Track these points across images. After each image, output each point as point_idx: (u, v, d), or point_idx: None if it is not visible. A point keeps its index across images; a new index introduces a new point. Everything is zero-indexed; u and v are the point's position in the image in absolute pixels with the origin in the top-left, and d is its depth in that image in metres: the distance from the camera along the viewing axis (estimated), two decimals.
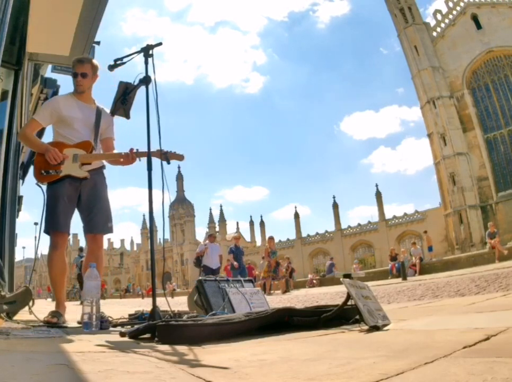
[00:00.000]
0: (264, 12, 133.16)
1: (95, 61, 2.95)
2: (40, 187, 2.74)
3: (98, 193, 2.88)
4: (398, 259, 15.58)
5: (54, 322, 2.52)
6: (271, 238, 13.02)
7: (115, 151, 2.96)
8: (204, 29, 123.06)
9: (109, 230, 2.92)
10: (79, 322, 2.49)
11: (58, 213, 2.71)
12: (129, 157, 2.71)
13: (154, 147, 2.49)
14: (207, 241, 10.43)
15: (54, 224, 2.72)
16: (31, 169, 9.65)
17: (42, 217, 2.72)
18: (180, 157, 2.71)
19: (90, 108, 2.90)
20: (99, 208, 2.87)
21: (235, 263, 10.45)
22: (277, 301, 6.33)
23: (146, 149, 2.49)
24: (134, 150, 2.71)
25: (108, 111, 2.89)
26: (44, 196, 2.75)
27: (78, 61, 2.88)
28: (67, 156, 2.70)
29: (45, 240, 2.76)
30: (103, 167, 2.96)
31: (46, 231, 2.73)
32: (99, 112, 2.92)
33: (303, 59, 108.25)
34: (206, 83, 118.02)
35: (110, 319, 2.64)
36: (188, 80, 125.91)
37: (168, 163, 2.57)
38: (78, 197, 2.81)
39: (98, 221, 2.86)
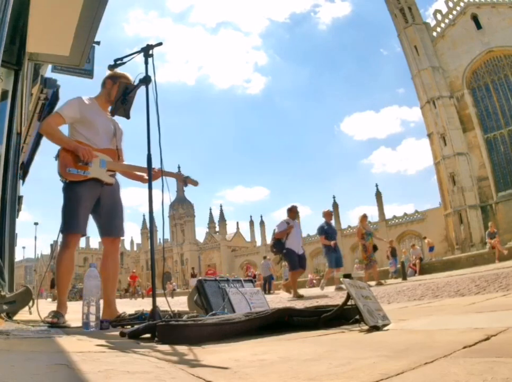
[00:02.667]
0: (266, 14, 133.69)
1: None
2: (63, 183, 2.72)
3: (117, 197, 2.95)
4: (399, 258, 15.59)
5: (55, 323, 2.52)
6: (365, 216, 9.60)
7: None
8: (206, 30, 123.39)
9: (123, 233, 3.01)
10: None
11: (80, 215, 2.72)
12: (153, 173, 2.68)
13: (154, 147, 2.50)
14: (287, 218, 7.58)
15: (75, 225, 2.73)
16: (31, 169, 9.64)
17: (62, 215, 2.71)
18: (195, 183, 2.96)
19: (109, 118, 2.95)
20: (119, 212, 2.94)
21: (332, 242, 8.31)
22: (277, 301, 6.33)
23: (147, 152, 2.49)
24: (156, 169, 2.66)
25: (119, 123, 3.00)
26: (64, 192, 2.73)
27: (108, 68, 2.80)
28: (97, 157, 2.73)
29: (46, 239, 2.77)
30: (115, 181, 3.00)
31: (63, 232, 2.72)
32: (114, 122, 3.01)
33: (305, 60, 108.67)
34: (208, 84, 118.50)
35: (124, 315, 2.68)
36: (190, 81, 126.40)
37: (185, 186, 2.86)
38: (96, 201, 2.82)
39: (118, 225, 2.92)
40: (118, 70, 2.81)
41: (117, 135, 2.99)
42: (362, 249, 9.24)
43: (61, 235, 2.73)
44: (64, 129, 2.83)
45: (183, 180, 2.82)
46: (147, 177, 2.82)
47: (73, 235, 2.77)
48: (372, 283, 8.33)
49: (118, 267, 3.05)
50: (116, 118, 3.02)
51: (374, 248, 9.11)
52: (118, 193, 2.97)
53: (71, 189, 2.71)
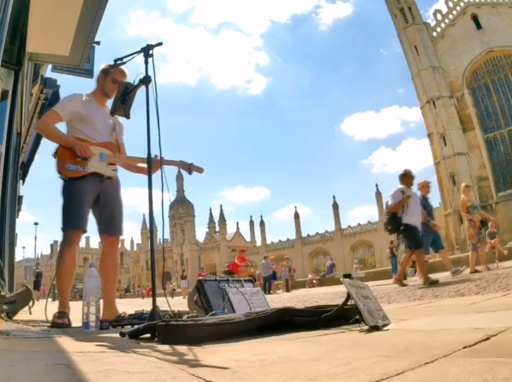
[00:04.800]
0: (267, 15, 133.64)
1: None
2: (63, 180, 2.71)
3: (118, 195, 2.93)
4: (398, 257, 15.57)
5: (62, 323, 2.50)
6: (468, 187, 8.10)
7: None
8: (207, 31, 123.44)
9: (122, 232, 2.99)
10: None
11: (81, 211, 2.70)
12: (154, 163, 2.70)
13: (154, 147, 2.49)
14: (401, 186, 6.11)
15: (75, 222, 2.70)
16: (31, 169, 9.63)
17: (63, 212, 2.68)
18: (200, 170, 2.88)
19: (107, 112, 2.93)
20: (118, 209, 2.92)
21: (437, 224, 7.13)
22: (277, 301, 6.33)
23: (147, 151, 2.48)
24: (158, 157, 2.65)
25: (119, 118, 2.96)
26: (64, 189, 2.71)
27: (123, 72, 2.88)
28: (94, 153, 2.71)
29: (46, 240, 2.76)
30: (117, 170, 2.99)
31: (64, 229, 2.70)
32: (114, 117, 2.97)
33: (305, 61, 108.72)
34: (209, 84, 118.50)
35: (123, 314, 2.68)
36: (191, 82, 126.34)
37: (190, 173, 2.76)
38: (96, 197, 2.81)
39: (118, 223, 2.91)
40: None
41: (117, 129, 2.98)
42: (468, 226, 7.65)
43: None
44: (62, 127, 2.83)
45: (188, 168, 2.77)
46: (144, 171, 2.83)
47: (75, 232, 2.74)
48: (479, 267, 7.23)
49: (118, 266, 3.04)
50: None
51: (482, 224, 7.62)
52: (118, 191, 2.96)
53: (71, 185, 2.69)
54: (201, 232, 69.58)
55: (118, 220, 2.91)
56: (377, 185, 40.77)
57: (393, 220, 5.87)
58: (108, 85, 2.90)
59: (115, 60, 2.63)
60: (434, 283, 5.24)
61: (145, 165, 2.68)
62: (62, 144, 2.70)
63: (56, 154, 2.70)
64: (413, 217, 5.82)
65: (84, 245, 63.63)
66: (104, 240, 2.91)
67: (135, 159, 2.93)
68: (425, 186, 7.01)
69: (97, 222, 2.89)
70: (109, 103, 2.98)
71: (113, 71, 2.87)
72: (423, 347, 1.25)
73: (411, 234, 5.77)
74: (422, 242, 5.93)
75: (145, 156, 2.47)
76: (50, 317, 2.63)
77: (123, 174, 3.05)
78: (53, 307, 2.83)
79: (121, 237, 3.14)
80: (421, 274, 5.81)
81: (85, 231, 2.80)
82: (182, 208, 56.48)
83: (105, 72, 2.93)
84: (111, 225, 2.87)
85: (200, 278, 3.05)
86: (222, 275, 5.19)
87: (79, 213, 2.69)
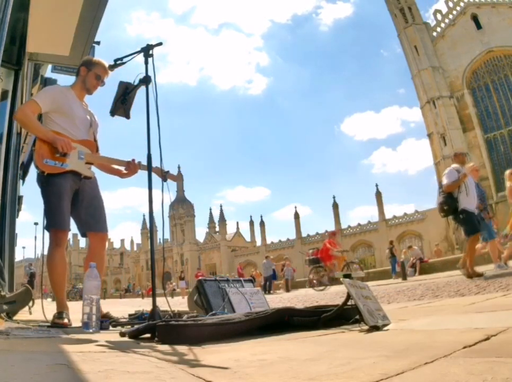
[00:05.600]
0: (268, 15, 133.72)
1: None
2: (40, 175, 2.60)
3: (97, 192, 2.85)
4: (398, 257, 15.58)
5: (63, 323, 2.47)
6: None
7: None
8: (208, 31, 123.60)
9: (107, 229, 2.91)
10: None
11: (63, 210, 2.60)
12: (131, 167, 2.69)
13: (154, 147, 2.49)
14: (456, 165, 5.75)
15: (60, 221, 2.60)
16: (31, 169, 9.64)
17: (46, 211, 2.60)
18: (176, 179, 2.82)
19: (85, 108, 2.87)
20: (102, 207, 2.86)
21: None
22: (277, 301, 6.33)
23: (147, 152, 2.48)
24: (136, 162, 2.69)
25: (95, 115, 2.91)
26: (42, 186, 2.62)
27: (105, 68, 2.79)
28: (75, 149, 2.61)
29: (45, 240, 2.73)
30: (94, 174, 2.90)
31: (49, 228, 2.62)
32: (90, 113, 2.90)
33: (306, 61, 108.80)
34: (210, 85, 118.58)
35: (116, 317, 2.66)
36: (191, 82, 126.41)
37: (165, 181, 2.58)
38: (75, 195, 2.71)
39: (103, 220, 2.84)
40: (118, 69, 2.81)
41: (93, 126, 2.87)
42: None
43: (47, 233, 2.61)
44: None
45: (163, 175, 2.59)
46: (125, 171, 2.81)
47: (62, 231, 2.65)
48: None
49: (104, 264, 2.93)
50: (94, 111, 2.94)
51: None
52: (97, 188, 2.86)
53: (50, 183, 2.58)
54: (201, 232, 69.66)
55: (102, 217, 2.82)
56: (377, 185, 40.79)
57: (449, 199, 5.46)
58: (91, 81, 2.79)
59: (115, 60, 2.63)
60: (480, 276, 5.06)
61: (121, 168, 2.73)
62: (42, 137, 2.56)
63: (33, 146, 2.62)
64: (471, 202, 5.47)
65: (84, 245, 63.60)
66: (91, 237, 2.81)
67: (114, 161, 2.83)
68: (474, 170, 6.35)
69: (77, 220, 2.78)
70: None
71: (96, 66, 2.78)
72: (423, 347, 1.25)
73: (469, 220, 5.40)
74: (479, 228, 5.58)
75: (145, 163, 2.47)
76: (49, 317, 2.63)
77: None
78: (51, 307, 2.83)
79: (109, 235, 3.08)
80: (469, 264, 5.41)
81: (69, 230, 2.73)
82: (182, 208, 56.48)
83: (87, 65, 2.82)
84: (96, 223, 2.78)
85: (200, 278, 3.05)
86: (222, 275, 5.17)
87: (63, 212, 2.60)
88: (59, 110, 2.67)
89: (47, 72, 6.46)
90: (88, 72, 2.80)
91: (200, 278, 3.04)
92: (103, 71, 2.79)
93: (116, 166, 2.86)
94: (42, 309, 2.71)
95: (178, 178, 2.81)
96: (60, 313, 2.57)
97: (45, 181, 2.60)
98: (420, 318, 2.24)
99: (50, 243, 2.65)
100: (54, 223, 2.61)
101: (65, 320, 2.51)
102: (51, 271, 2.62)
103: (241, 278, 3.45)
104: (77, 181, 2.69)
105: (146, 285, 41.95)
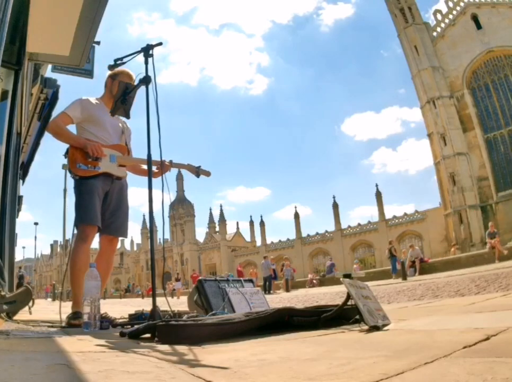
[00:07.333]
0: (269, 16, 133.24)
1: None
2: (75, 180, 2.76)
3: (124, 197, 2.96)
4: (398, 257, 15.57)
5: (79, 324, 2.45)
6: None
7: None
8: (209, 32, 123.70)
9: (126, 234, 3.00)
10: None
11: (94, 207, 2.72)
12: (163, 165, 2.71)
13: (154, 147, 2.50)
14: None
15: (90, 217, 2.71)
16: (31, 169, 9.65)
17: (77, 209, 2.72)
18: (208, 174, 2.96)
19: (116, 117, 2.96)
20: (124, 211, 2.94)
21: None
22: (277, 301, 6.33)
23: (147, 152, 2.49)
24: (167, 162, 2.76)
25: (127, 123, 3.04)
26: (76, 187, 2.76)
27: (129, 75, 2.92)
28: (106, 154, 2.76)
29: (46, 239, 2.75)
30: (126, 174, 3.02)
31: (78, 224, 2.72)
32: (122, 121, 3.05)
33: (306, 61, 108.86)
34: (211, 85, 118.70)
35: (113, 317, 2.66)
36: (192, 82, 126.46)
37: (198, 176, 2.85)
38: (105, 197, 2.84)
39: (121, 224, 2.92)
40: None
41: (126, 133, 3.04)
42: None
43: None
44: (72, 129, 2.87)
45: (195, 171, 2.86)
46: (157, 170, 2.84)
47: (91, 227, 2.74)
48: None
49: (112, 267, 3.03)
50: (123, 119, 3.05)
51: None
52: (126, 193, 2.99)
53: (85, 184, 2.73)
54: (201, 232, 69.67)
55: (123, 222, 2.93)
56: (377, 185, 40.65)
57: None
58: (116, 89, 2.88)
59: (115, 60, 2.63)
60: None
61: (154, 167, 2.75)
62: (74, 144, 2.74)
63: (67, 154, 2.75)
64: None
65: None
66: (103, 239, 2.90)
67: (145, 161, 2.90)
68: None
69: (101, 220, 2.87)
70: None
71: (119, 75, 2.92)
72: (423, 347, 1.25)
73: None
74: None
75: (156, 158, 2.52)
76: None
77: None
78: (52, 307, 2.82)
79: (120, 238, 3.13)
80: None
81: (99, 229, 2.78)
82: (182, 208, 56.43)
83: (112, 76, 2.97)
84: (114, 226, 2.87)
85: (200, 278, 3.05)
86: (222, 275, 5.18)
87: (92, 208, 2.71)
88: (89, 119, 2.84)
89: (48, 72, 6.46)
90: (113, 81, 2.96)
91: (200, 278, 3.04)
92: (126, 77, 2.91)
93: (146, 167, 2.91)
94: (28, 308, 2.74)
95: (209, 173, 2.98)
96: (76, 313, 2.56)
97: (79, 183, 2.75)
98: (420, 318, 2.24)
99: (76, 239, 2.73)
100: (84, 218, 2.72)
101: (81, 321, 2.49)
102: (72, 266, 2.68)
103: (241, 278, 3.45)
104: (108, 183, 2.83)
105: (145, 285, 41.94)
